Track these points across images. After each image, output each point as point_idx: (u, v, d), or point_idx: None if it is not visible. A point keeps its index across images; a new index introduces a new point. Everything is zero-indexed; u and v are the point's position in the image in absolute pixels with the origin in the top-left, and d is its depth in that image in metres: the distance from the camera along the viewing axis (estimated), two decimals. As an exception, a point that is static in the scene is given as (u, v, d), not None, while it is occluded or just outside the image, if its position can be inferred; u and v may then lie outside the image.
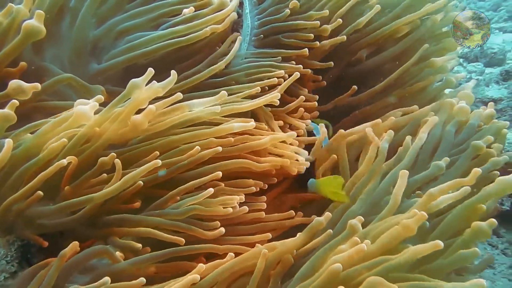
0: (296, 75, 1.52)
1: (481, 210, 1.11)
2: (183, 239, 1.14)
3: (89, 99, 1.12)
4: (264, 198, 1.37)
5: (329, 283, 0.95)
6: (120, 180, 1.10)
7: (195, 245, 1.17)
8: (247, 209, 1.25)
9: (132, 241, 1.12)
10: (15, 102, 1.02)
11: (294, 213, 1.39)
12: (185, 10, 1.50)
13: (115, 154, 1.13)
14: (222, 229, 1.19)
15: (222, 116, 1.34)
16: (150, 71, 1.11)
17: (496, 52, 3.66)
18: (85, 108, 1.07)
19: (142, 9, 1.51)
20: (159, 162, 1.12)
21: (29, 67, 1.33)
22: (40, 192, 1.06)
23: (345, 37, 1.70)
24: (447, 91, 1.85)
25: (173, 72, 1.15)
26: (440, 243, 0.93)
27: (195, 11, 1.49)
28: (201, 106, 1.24)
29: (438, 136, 1.45)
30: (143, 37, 1.47)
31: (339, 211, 1.33)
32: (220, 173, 1.22)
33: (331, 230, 1.16)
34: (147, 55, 1.46)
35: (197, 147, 1.21)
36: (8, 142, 1.01)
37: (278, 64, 1.62)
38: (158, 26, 1.53)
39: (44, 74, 1.36)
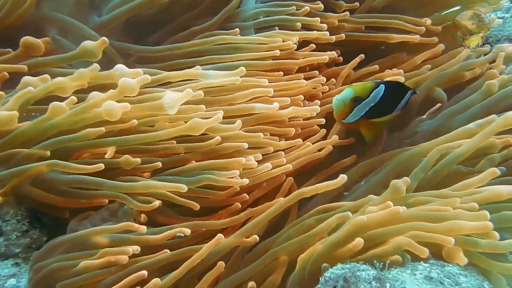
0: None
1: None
2: (197, 205, 1.11)
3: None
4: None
5: (352, 235, 0.90)
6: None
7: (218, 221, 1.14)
8: (270, 166, 1.18)
9: (151, 198, 1.09)
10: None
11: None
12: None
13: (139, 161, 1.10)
14: (246, 180, 1.14)
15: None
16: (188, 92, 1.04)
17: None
18: (115, 106, 0.99)
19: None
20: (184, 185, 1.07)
21: (30, 20, 1.29)
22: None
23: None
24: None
25: (187, 90, 1.04)
26: (490, 225, 0.84)
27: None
28: (217, 79, 1.18)
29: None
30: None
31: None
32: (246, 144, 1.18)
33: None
34: (151, 2, 1.36)
35: (218, 137, 1.15)
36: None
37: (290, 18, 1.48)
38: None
39: (48, 22, 1.32)
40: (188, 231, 1.03)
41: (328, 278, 0.80)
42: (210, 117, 1.11)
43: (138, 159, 1.08)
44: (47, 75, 1.07)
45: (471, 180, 1.01)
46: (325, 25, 1.48)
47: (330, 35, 1.46)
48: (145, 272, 0.93)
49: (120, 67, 1.05)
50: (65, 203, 1.09)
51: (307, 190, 1.07)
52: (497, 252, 0.88)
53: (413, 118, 1.44)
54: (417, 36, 1.51)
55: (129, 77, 1.02)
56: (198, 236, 1.13)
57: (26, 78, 1.07)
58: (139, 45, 1.43)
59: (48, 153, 1.04)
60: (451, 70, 1.45)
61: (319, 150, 1.30)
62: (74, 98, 1.01)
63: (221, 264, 1.00)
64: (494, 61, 1.48)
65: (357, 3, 1.57)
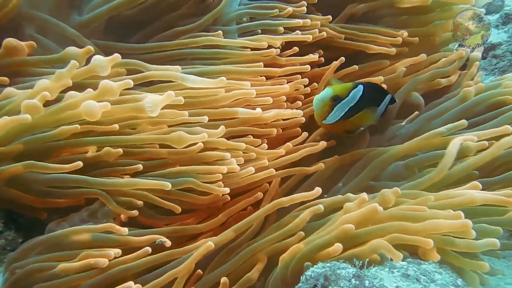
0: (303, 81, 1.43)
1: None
2: (179, 207, 1.11)
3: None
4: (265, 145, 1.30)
5: (338, 239, 0.92)
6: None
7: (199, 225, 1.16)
8: (253, 169, 1.19)
9: (133, 199, 1.08)
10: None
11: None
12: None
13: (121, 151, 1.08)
14: (227, 189, 1.15)
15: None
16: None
17: (494, -2, 3.53)
18: (95, 106, 0.97)
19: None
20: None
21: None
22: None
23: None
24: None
25: (168, 93, 1.03)
26: (469, 223, 0.86)
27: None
28: (196, 85, 1.16)
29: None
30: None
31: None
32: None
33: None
34: (132, 1, 1.34)
35: (200, 143, 1.12)
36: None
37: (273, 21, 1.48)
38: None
39: (26, 20, 1.28)
40: (168, 243, 1.04)
41: (309, 276, 0.81)
42: (193, 122, 1.13)
43: (120, 149, 1.06)
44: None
45: (451, 190, 1.05)
46: (308, 20, 1.47)
47: (312, 38, 1.47)
48: (131, 284, 0.92)
49: (97, 58, 1.02)
50: (42, 203, 1.06)
51: (286, 200, 1.11)
52: (471, 252, 0.90)
53: (392, 123, 1.49)
54: (393, 49, 1.55)
55: (107, 65, 1.01)
56: (180, 238, 1.13)
57: (8, 89, 1.05)
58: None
59: (22, 147, 1.01)
60: (423, 76, 1.51)
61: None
62: (46, 94, 0.98)
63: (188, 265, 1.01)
64: (464, 67, 1.55)
65: (329, 16, 1.58)
